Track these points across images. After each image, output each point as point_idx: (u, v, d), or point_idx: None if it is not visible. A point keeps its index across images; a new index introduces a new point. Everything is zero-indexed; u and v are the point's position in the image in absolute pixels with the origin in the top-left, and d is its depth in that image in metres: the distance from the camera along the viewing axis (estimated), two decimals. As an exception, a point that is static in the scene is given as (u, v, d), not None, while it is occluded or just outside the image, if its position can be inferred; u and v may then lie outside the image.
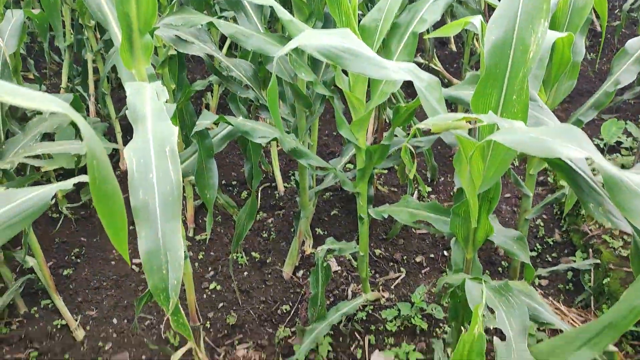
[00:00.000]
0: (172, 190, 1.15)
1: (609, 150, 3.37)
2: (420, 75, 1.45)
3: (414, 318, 2.32)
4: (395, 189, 3.24)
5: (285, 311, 2.49)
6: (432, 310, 2.36)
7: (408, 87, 3.74)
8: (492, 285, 1.31)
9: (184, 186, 2.85)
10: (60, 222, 2.97)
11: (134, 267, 2.72)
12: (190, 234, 2.93)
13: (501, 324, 1.15)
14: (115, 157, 3.45)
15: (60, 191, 2.98)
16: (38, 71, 3.88)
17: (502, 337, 1.19)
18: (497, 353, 1.10)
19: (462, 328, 1.60)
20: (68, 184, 1.06)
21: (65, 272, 2.66)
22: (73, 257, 2.77)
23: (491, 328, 2.03)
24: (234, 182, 3.34)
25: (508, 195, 3.15)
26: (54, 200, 2.90)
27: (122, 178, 2.85)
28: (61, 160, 2.12)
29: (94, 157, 0.76)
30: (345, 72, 1.90)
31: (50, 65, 4.48)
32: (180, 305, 1.41)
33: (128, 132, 3.48)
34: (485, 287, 1.26)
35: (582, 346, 1.02)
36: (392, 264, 2.75)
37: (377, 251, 2.80)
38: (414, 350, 2.21)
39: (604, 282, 2.31)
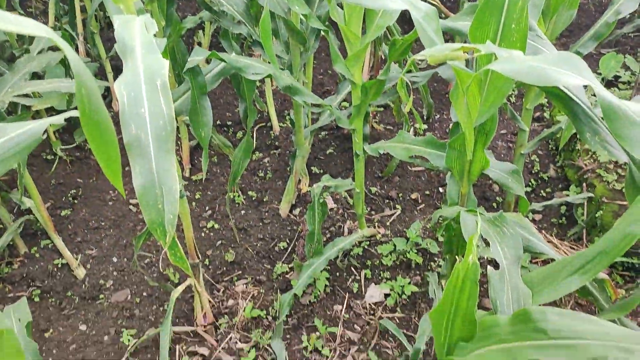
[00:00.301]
0: (164, 124, 1.14)
1: (607, 85, 3.33)
2: (417, 5, 1.41)
3: (409, 253, 2.36)
4: (391, 127, 3.22)
5: (282, 248, 2.52)
6: (427, 245, 2.40)
7: (404, 24, 3.65)
8: (487, 217, 1.32)
9: (178, 126, 2.83)
10: (55, 163, 2.96)
11: (131, 207, 2.73)
12: (187, 174, 2.93)
13: (495, 253, 1.17)
14: (107, 97, 3.40)
15: (54, 129, 2.94)
16: (23, 9, 3.76)
17: (496, 267, 1.21)
18: (491, 282, 1.12)
19: (457, 259, 1.63)
20: (59, 118, 1.04)
21: (63, 213, 2.68)
22: (70, 198, 2.78)
23: (486, 258, 2.07)
24: (228, 123, 3.31)
25: (504, 131, 3.14)
26: (45, 135, 2.88)
27: (116, 119, 2.81)
28: (52, 99, 2.08)
29: (83, 86, 0.74)
30: (340, 6, 1.84)
31: (36, 3, 4.33)
32: (177, 240, 1.42)
33: (119, 72, 3.41)
34: (480, 218, 1.27)
35: (574, 273, 1.04)
36: (387, 201, 2.77)
37: (373, 189, 2.81)
38: (409, 283, 2.26)
39: (596, 215, 2.34)
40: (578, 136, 2.67)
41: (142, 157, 1.11)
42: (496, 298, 1.10)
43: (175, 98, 1.97)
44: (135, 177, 1.10)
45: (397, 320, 2.17)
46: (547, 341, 0.85)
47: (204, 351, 2.09)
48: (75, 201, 2.77)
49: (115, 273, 2.40)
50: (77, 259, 2.41)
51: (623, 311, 1.09)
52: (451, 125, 1.68)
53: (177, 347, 2.10)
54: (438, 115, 3.30)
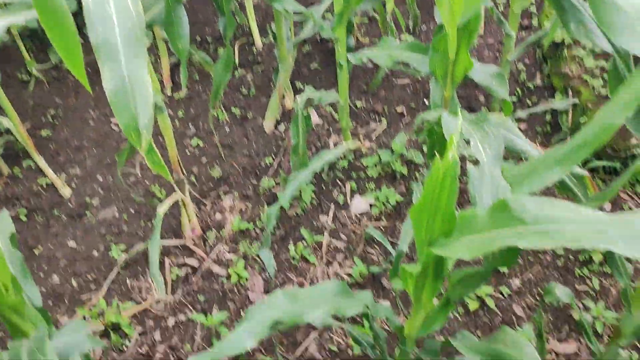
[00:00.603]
0: (133, 26, 1.09)
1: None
2: None
3: (394, 164, 2.36)
4: (377, 40, 3.14)
5: (268, 164, 2.52)
6: (411, 156, 2.40)
7: None
8: (469, 117, 1.30)
9: (157, 43, 2.74)
10: (32, 84, 2.87)
11: (113, 126, 2.69)
12: (168, 92, 2.87)
13: (476, 151, 1.16)
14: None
15: (16, 29, 2.81)
16: None
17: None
18: (471, 178, 1.13)
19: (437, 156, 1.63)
20: (19, 18, 0.99)
21: (43, 134, 2.63)
22: (50, 119, 2.72)
23: (467, 160, 2.08)
24: (208, 39, 3.20)
25: (491, 41, 3.07)
26: (8, 37, 2.77)
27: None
28: (18, 8, 1.99)
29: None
30: None
31: None
32: (156, 149, 1.40)
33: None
34: (462, 118, 1.25)
35: (554, 165, 1.04)
36: (373, 115, 2.75)
37: (358, 103, 2.78)
38: (394, 193, 2.28)
39: (581, 121, 2.33)
40: (563, 29, 2.61)
41: (112, 60, 1.07)
42: (476, 194, 1.10)
43: (148, 6, 1.88)
44: (105, 81, 1.06)
45: (382, 228, 2.21)
46: (524, 228, 0.87)
47: (194, 263, 2.13)
48: (55, 121, 2.72)
49: (101, 191, 2.40)
50: (61, 179, 2.40)
51: (600, 201, 1.11)
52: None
53: (167, 260, 2.13)
54: (425, 27, 3.21)
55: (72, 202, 2.35)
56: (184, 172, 2.05)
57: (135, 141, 1.05)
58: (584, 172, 1.25)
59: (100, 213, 2.31)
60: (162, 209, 2.10)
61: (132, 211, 2.33)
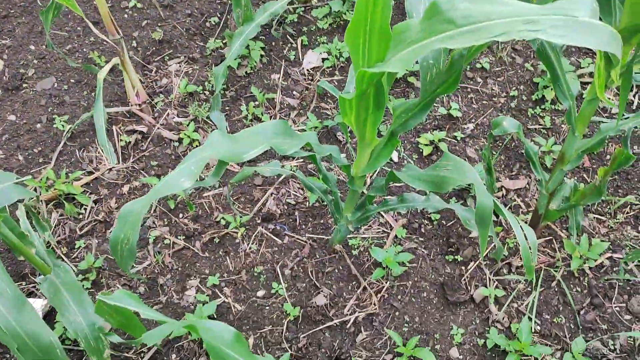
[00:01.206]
0: None
1: None
2: None
3: (345, 14, 2.25)
4: None
5: (214, 23, 2.37)
6: (364, 5, 2.27)
7: None
8: None
9: None
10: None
11: (41, -8, 2.47)
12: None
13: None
14: None
15: None
16: None
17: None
18: (408, -5, 1.05)
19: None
20: None
21: (-36, 4, 2.42)
22: (-31, -12, 2.48)
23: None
24: None
25: None
26: None
27: None
28: None
29: None
30: None
31: None
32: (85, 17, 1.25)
33: None
34: None
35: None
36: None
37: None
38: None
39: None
40: None
41: None
42: (412, 10, 1.03)
43: None
44: None
45: (336, 82, 2.15)
46: (455, 30, 0.81)
47: (143, 128, 2.06)
48: (-24, -10, 2.48)
49: (35, 61, 2.25)
50: (-10, 51, 2.24)
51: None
52: None
53: (115, 128, 2.06)
54: None
55: (6, 74, 2.20)
56: (119, 31, 1.91)
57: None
58: None
59: (38, 84, 2.18)
60: (102, 74, 1.99)
61: (73, 80, 2.20)
